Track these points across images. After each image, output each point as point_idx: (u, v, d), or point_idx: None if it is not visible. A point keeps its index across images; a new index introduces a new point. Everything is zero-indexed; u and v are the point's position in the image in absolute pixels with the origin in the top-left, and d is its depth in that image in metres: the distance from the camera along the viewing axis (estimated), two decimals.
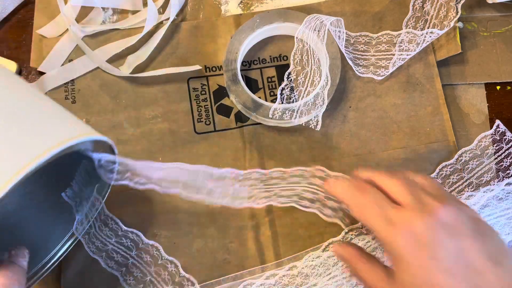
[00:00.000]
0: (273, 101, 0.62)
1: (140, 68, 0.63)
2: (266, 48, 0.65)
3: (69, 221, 0.54)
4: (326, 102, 0.59)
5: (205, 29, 0.65)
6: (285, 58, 0.64)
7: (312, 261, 0.56)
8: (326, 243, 0.57)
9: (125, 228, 0.57)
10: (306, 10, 0.65)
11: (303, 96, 0.61)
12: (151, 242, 0.57)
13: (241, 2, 0.66)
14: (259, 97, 0.61)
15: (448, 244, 0.43)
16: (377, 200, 0.47)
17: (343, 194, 0.50)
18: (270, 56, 0.64)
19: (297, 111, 0.59)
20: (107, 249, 0.57)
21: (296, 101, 0.61)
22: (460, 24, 0.64)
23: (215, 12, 0.66)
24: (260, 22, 0.63)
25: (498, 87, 0.64)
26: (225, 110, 0.62)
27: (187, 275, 0.57)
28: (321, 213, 0.57)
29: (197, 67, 0.62)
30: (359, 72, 0.62)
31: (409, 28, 0.63)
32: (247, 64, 0.64)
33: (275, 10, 0.64)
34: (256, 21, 0.63)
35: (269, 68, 0.64)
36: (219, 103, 0.62)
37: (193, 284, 0.56)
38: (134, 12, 0.66)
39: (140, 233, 0.57)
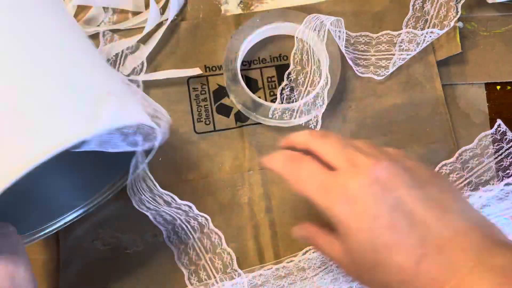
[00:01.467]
0: (273, 101, 0.62)
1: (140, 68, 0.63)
2: (266, 48, 0.65)
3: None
4: (326, 102, 0.59)
5: (205, 28, 0.65)
6: (285, 58, 0.64)
7: (309, 254, 0.56)
8: None
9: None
10: (306, 10, 0.65)
11: (303, 96, 0.61)
12: (200, 213, 0.57)
13: (241, 2, 0.66)
14: (259, 97, 0.61)
15: (385, 199, 0.42)
16: (313, 170, 0.46)
17: (278, 168, 0.48)
18: (270, 56, 0.64)
19: (296, 111, 0.59)
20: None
21: (296, 101, 0.61)
22: (460, 24, 0.64)
23: (215, 12, 0.66)
24: (260, 21, 0.63)
25: (498, 87, 0.64)
26: (225, 110, 0.62)
27: (228, 249, 0.57)
28: None
29: (197, 70, 0.62)
30: (359, 72, 0.62)
31: (409, 28, 0.63)
32: (247, 64, 0.64)
33: (275, 10, 0.64)
34: (256, 20, 0.63)
35: (269, 68, 0.64)
36: (219, 103, 0.62)
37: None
38: (135, 13, 0.66)
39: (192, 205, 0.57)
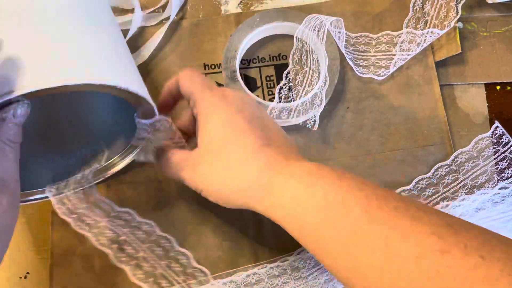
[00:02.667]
0: (271, 100, 0.62)
1: (140, 67, 0.63)
2: (266, 47, 0.65)
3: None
4: (324, 102, 0.60)
5: (205, 27, 0.65)
6: (284, 57, 0.64)
7: (304, 254, 0.57)
8: None
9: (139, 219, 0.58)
10: (306, 10, 0.65)
11: (301, 96, 0.61)
12: (163, 234, 0.58)
13: (241, 2, 0.66)
14: (257, 96, 0.61)
15: (249, 107, 0.50)
16: (197, 77, 0.52)
17: (181, 80, 0.52)
18: (269, 55, 0.64)
19: (294, 111, 0.60)
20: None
21: (294, 101, 0.61)
22: (460, 24, 0.64)
23: (215, 12, 0.66)
24: (260, 21, 0.63)
25: (498, 87, 0.64)
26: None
27: (199, 266, 0.57)
28: None
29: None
30: (359, 73, 0.62)
31: (410, 29, 0.63)
32: (246, 62, 0.64)
33: (275, 9, 0.64)
34: (256, 19, 0.63)
35: (268, 67, 0.64)
36: None
37: (205, 275, 0.57)
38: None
39: (153, 224, 0.58)
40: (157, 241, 0.58)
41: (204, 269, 0.57)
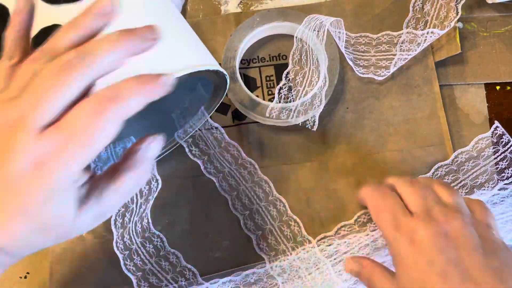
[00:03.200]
0: (271, 100, 0.62)
1: None
2: (266, 46, 0.65)
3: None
4: (324, 102, 0.59)
5: (205, 27, 0.65)
6: (284, 57, 0.64)
7: (303, 254, 0.57)
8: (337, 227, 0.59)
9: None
10: (306, 10, 0.65)
11: (300, 96, 0.61)
12: (157, 232, 0.59)
13: (241, 2, 0.66)
14: (257, 96, 0.61)
15: (445, 252, 0.45)
16: (393, 207, 0.50)
17: (367, 197, 0.53)
18: (269, 55, 0.64)
19: (294, 111, 0.60)
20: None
21: (293, 101, 0.61)
22: (459, 24, 0.64)
23: (214, 12, 0.66)
24: (260, 20, 0.63)
25: (497, 87, 0.64)
26: (222, 108, 0.62)
27: (188, 266, 0.58)
28: None
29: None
30: (360, 73, 0.62)
31: (410, 29, 0.63)
32: (246, 62, 0.64)
33: (275, 9, 0.64)
34: (256, 19, 0.63)
35: (268, 67, 0.64)
36: None
37: (194, 275, 0.57)
38: None
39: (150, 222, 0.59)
40: (150, 238, 0.58)
41: (194, 269, 0.58)
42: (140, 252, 0.57)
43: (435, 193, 0.51)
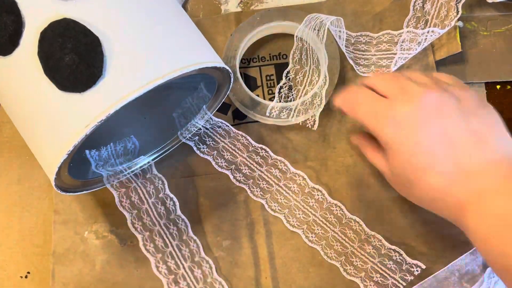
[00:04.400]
0: (272, 99, 0.62)
1: None
2: (266, 46, 0.65)
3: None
4: (324, 102, 0.59)
5: (205, 26, 0.65)
6: (284, 56, 0.64)
7: None
8: None
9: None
10: (307, 9, 0.65)
11: (301, 95, 0.61)
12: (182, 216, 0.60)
13: (241, 1, 0.66)
14: (257, 95, 0.61)
15: (431, 126, 0.47)
16: (367, 98, 0.51)
17: (341, 103, 0.53)
18: (270, 54, 0.64)
19: (294, 110, 0.60)
20: None
21: (294, 100, 0.61)
22: (460, 24, 0.64)
23: (215, 12, 0.66)
24: (260, 20, 0.63)
25: (498, 87, 0.64)
26: (223, 107, 0.62)
27: (207, 258, 0.58)
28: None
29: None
30: (360, 72, 0.62)
31: (410, 28, 0.63)
32: (246, 61, 0.64)
33: (275, 9, 0.64)
34: (256, 19, 0.63)
35: (268, 66, 0.64)
36: None
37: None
38: None
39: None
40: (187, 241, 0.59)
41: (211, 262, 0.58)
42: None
43: (406, 76, 0.51)
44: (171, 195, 0.59)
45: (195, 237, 0.58)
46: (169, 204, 0.59)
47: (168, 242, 0.58)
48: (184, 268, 0.58)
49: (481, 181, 0.45)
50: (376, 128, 0.49)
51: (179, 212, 0.59)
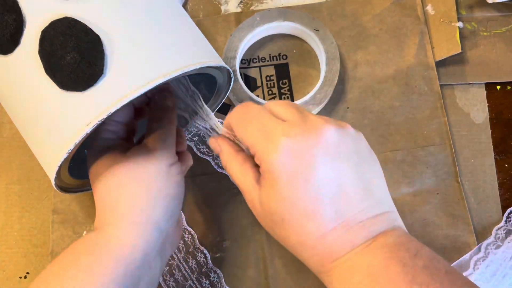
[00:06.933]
0: (272, 100, 0.62)
1: None
2: (266, 46, 0.65)
3: None
4: (324, 102, 0.59)
5: (205, 26, 0.65)
6: (284, 57, 0.64)
7: None
8: None
9: None
10: (307, 9, 0.65)
11: (300, 96, 0.61)
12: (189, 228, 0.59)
13: (241, 1, 0.66)
14: (257, 96, 0.61)
15: (326, 167, 0.40)
16: (260, 114, 0.44)
17: (230, 119, 0.46)
18: (270, 54, 0.64)
19: None
20: None
21: (293, 101, 0.61)
22: (460, 24, 0.64)
23: (215, 12, 0.66)
24: (260, 20, 0.63)
25: (498, 87, 0.64)
26: (223, 108, 0.62)
27: (201, 247, 0.58)
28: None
29: None
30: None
31: None
32: (246, 62, 0.64)
33: (275, 9, 0.64)
34: (256, 19, 0.63)
35: (268, 67, 0.64)
36: None
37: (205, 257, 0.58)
38: None
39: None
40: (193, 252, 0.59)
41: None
42: None
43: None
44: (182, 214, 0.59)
45: (202, 248, 0.58)
46: None
47: (174, 255, 0.58)
48: (191, 279, 0.58)
49: (357, 235, 0.40)
50: (263, 151, 0.42)
51: (185, 224, 0.59)
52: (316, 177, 0.40)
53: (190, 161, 0.54)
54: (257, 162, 0.43)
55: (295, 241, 0.42)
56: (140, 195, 0.45)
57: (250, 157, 0.45)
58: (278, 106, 0.44)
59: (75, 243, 0.45)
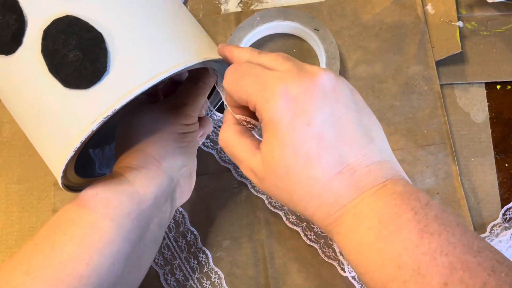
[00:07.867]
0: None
1: None
2: (266, 46, 0.65)
3: None
4: None
5: (205, 26, 0.65)
6: None
7: None
8: None
9: None
10: (306, 9, 0.65)
11: None
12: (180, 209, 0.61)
13: (241, 1, 0.66)
14: None
15: (324, 109, 0.40)
16: (253, 68, 0.43)
17: (225, 83, 0.45)
18: None
19: None
20: None
21: None
22: (460, 24, 0.64)
23: (215, 11, 0.66)
24: (260, 20, 0.63)
25: (498, 87, 0.64)
26: (223, 108, 0.62)
27: (204, 248, 0.59)
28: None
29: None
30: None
31: None
32: None
33: (275, 8, 0.64)
34: (256, 19, 0.63)
35: None
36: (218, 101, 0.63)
37: (207, 257, 0.58)
38: None
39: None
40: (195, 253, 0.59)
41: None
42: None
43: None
44: (181, 209, 0.59)
45: (204, 248, 0.59)
46: (178, 217, 0.59)
47: (176, 254, 0.58)
48: (192, 279, 0.58)
49: (363, 180, 0.40)
50: (262, 101, 0.41)
51: (188, 224, 0.59)
52: (317, 119, 0.40)
53: (209, 127, 0.59)
54: (258, 116, 0.42)
55: (300, 193, 0.41)
56: (156, 145, 0.51)
57: (249, 131, 0.47)
58: (269, 58, 0.44)
59: (94, 183, 0.48)
